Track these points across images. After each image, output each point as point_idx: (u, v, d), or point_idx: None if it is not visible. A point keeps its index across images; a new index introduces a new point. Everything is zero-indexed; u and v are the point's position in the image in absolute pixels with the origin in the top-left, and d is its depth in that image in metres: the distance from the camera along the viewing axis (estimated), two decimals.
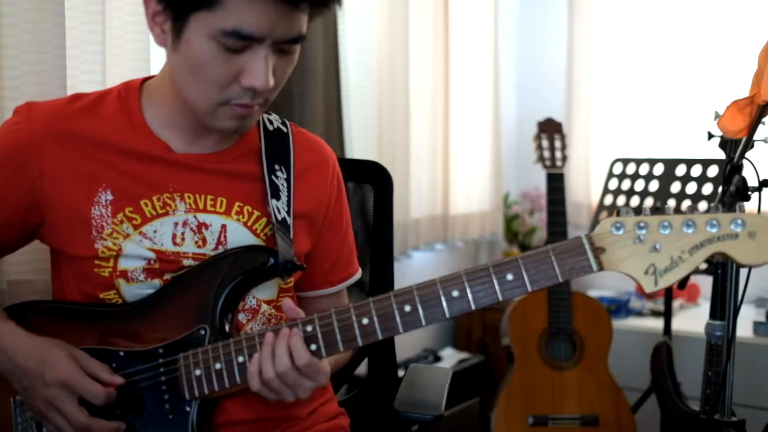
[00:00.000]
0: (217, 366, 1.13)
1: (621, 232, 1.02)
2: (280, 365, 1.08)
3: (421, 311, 1.07)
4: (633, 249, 1.01)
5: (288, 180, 1.28)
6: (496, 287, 1.05)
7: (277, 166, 1.28)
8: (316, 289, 1.36)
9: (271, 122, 1.32)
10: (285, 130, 1.33)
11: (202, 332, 1.16)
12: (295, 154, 1.30)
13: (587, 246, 1.02)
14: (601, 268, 1.02)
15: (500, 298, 1.05)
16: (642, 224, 1.01)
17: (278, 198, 1.25)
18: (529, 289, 1.04)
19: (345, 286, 1.39)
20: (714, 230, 0.99)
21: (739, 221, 0.99)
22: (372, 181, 1.59)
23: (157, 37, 1.14)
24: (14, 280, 1.45)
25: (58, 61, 1.51)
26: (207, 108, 1.14)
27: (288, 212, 1.25)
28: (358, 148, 2.71)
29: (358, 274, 1.41)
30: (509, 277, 1.05)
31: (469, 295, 1.06)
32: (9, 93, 1.48)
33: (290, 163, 1.29)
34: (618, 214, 1.03)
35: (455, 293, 1.06)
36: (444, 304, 1.06)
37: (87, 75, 1.59)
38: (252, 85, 1.10)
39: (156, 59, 1.65)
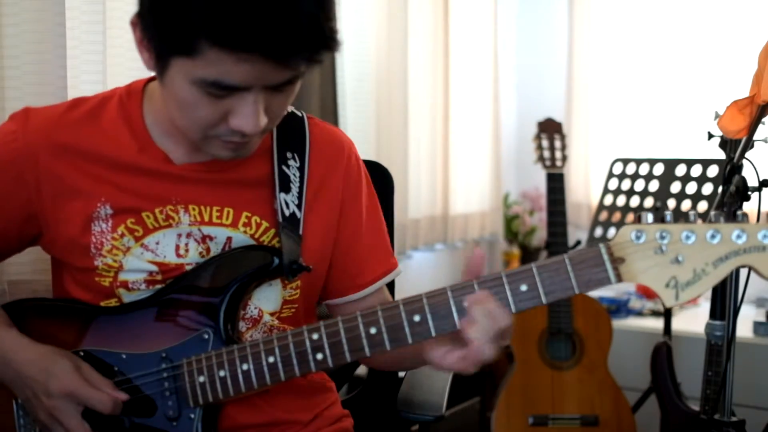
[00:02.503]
0: (221, 373, 1.10)
1: (642, 240, 0.95)
2: (489, 329, 0.98)
3: (430, 321, 1.02)
4: (654, 260, 0.95)
5: (301, 169, 1.21)
6: (509, 298, 1.00)
7: (289, 155, 1.22)
8: (345, 294, 1.29)
9: None
10: (300, 115, 1.27)
11: (206, 336, 1.14)
12: (312, 148, 1.24)
13: (606, 256, 0.97)
14: (619, 279, 0.96)
15: (513, 310, 1.00)
16: (664, 233, 0.94)
17: (288, 191, 1.20)
18: (544, 301, 0.99)
19: (377, 287, 1.30)
20: (741, 241, 0.93)
21: None
22: (372, 181, 1.58)
23: (146, 62, 1.07)
24: (14, 280, 1.45)
25: (58, 61, 1.51)
26: (197, 138, 1.10)
27: (298, 206, 1.20)
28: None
29: (394, 272, 1.32)
30: (523, 287, 0.99)
31: None
32: (9, 93, 1.48)
33: (305, 151, 1.23)
34: (639, 220, 0.96)
35: (467, 303, 1.01)
36: (455, 314, 1.01)
37: (87, 75, 1.59)
38: (240, 128, 1.04)
39: None
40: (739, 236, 0.93)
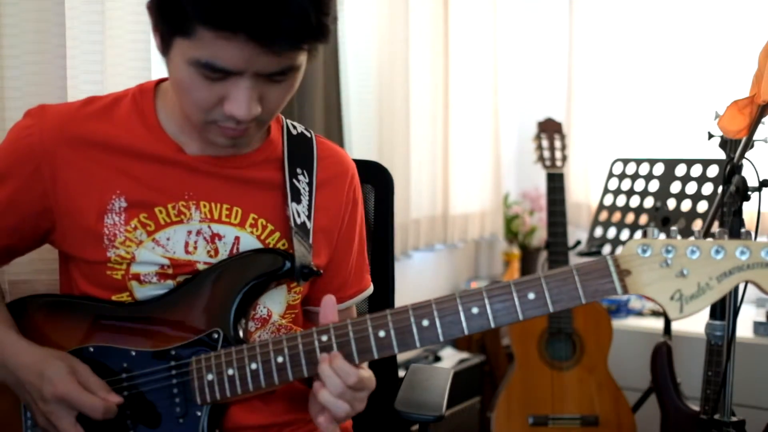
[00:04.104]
0: (230, 372, 1.11)
1: (648, 254, 0.99)
2: (334, 388, 1.07)
3: (439, 327, 1.05)
4: (659, 273, 0.99)
5: (310, 185, 1.26)
6: (517, 306, 1.02)
7: (299, 170, 1.26)
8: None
9: (294, 127, 1.31)
10: (309, 135, 1.32)
11: (215, 336, 1.15)
12: (318, 163, 1.29)
13: (612, 268, 1.00)
14: (625, 291, 1.00)
15: (521, 318, 1.02)
16: (670, 248, 0.98)
17: (299, 202, 1.23)
18: (551, 309, 1.01)
19: (354, 302, 1.37)
20: (744, 258, 0.96)
21: None
22: (372, 182, 1.59)
23: (158, 46, 1.12)
24: (15, 280, 1.45)
25: (58, 62, 1.51)
26: (197, 123, 1.13)
27: (308, 216, 1.24)
28: (357, 148, 2.71)
29: (369, 290, 1.39)
30: (531, 296, 1.02)
31: (489, 313, 1.03)
32: (10, 93, 1.48)
33: (313, 168, 1.27)
34: (645, 235, 1.00)
35: (475, 310, 1.03)
36: (463, 320, 1.04)
37: (87, 75, 1.59)
38: (232, 113, 1.07)
39: (156, 59, 1.65)
40: (742, 252, 0.96)
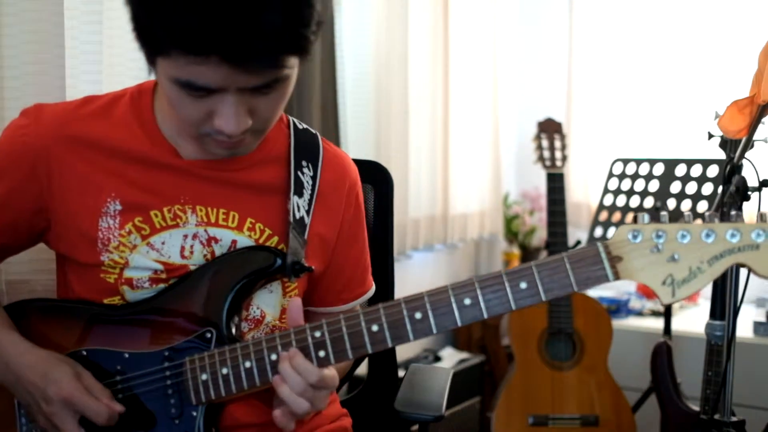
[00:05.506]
0: (224, 371, 1.11)
1: (638, 240, 0.98)
2: (295, 386, 1.06)
3: (432, 319, 1.04)
4: (650, 258, 0.98)
5: (314, 179, 1.25)
6: (510, 295, 1.02)
7: (304, 163, 1.25)
8: (328, 306, 1.33)
9: (300, 123, 1.31)
10: (314, 132, 1.31)
11: (209, 335, 1.14)
12: (323, 163, 1.28)
13: (603, 255, 0.99)
14: (617, 277, 0.99)
15: (513, 307, 1.02)
16: (660, 232, 0.97)
17: (301, 195, 1.22)
18: (543, 298, 1.01)
19: (357, 303, 1.36)
20: (735, 240, 0.96)
21: (761, 231, 0.95)
22: (372, 181, 1.58)
23: (146, 61, 1.09)
24: (13, 280, 1.45)
25: (57, 61, 1.51)
26: (192, 135, 1.12)
27: (308, 211, 1.23)
28: (354, 147, 2.71)
29: (371, 292, 1.39)
30: (523, 285, 1.02)
31: (482, 303, 1.03)
32: (9, 93, 1.48)
33: (318, 163, 1.27)
34: (635, 221, 0.99)
35: (467, 301, 1.03)
36: (456, 311, 1.04)
37: (87, 75, 1.59)
38: (221, 128, 1.05)
39: None
40: (733, 235, 0.96)
